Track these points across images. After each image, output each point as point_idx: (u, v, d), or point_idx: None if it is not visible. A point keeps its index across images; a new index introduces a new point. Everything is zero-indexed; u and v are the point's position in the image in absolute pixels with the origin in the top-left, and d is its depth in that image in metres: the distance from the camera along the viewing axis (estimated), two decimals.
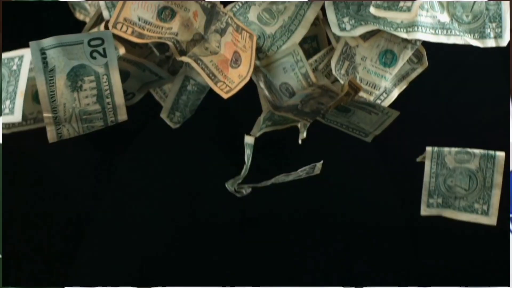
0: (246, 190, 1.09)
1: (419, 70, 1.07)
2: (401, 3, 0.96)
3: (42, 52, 0.93)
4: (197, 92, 1.15)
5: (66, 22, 1.16)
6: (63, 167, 1.56)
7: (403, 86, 1.07)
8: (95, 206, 1.58)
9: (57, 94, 0.95)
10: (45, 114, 0.95)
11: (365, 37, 1.01)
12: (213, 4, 0.99)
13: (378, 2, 0.96)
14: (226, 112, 1.31)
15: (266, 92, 1.04)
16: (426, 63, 1.06)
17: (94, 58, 0.95)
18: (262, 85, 1.04)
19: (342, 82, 1.02)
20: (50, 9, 1.29)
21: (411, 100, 1.10)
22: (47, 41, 0.93)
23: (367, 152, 1.36)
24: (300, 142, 1.13)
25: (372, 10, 0.95)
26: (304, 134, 1.13)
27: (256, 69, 1.01)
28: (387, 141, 1.16)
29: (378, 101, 1.06)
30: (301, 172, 1.09)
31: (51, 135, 0.97)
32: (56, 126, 0.96)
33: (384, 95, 1.06)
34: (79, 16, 1.14)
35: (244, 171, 1.05)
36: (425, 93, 1.32)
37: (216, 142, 1.53)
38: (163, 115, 1.15)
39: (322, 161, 1.08)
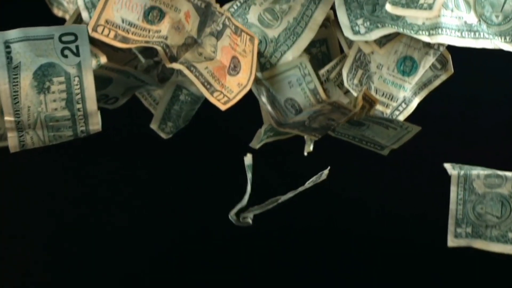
0: (251, 218, 1.03)
1: (443, 77, 1.00)
2: (421, 0, 0.87)
3: (7, 45, 0.85)
4: (191, 102, 1.07)
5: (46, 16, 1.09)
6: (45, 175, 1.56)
7: (424, 94, 1.00)
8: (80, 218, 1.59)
9: (21, 95, 0.87)
10: (6, 118, 0.87)
11: (381, 42, 0.93)
12: (208, 3, 0.90)
13: None
14: (223, 117, 1.25)
15: (269, 107, 0.96)
16: (451, 70, 0.99)
17: (66, 56, 0.87)
18: (264, 99, 0.96)
19: (354, 93, 0.94)
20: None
21: (430, 104, 1.03)
22: (13, 33, 0.85)
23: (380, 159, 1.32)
24: (305, 154, 1.07)
25: (388, 7, 0.87)
26: (311, 147, 1.06)
27: (258, 82, 0.93)
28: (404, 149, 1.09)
29: (396, 112, 0.99)
30: (308, 185, 1.02)
31: (13, 143, 0.89)
32: (18, 132, 0.88)
33: (403, 105, 0.99)
34: (58, 12, 1.07)
35: (246, 197, 0.99)
36: (445, 96, 1.26)
37: (212, 151, 1.53)
38: (154, 125, 1.08)
39: (329, 167, 1.00)
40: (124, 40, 0.89)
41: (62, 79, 0.88)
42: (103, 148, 1.58)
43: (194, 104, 1.08)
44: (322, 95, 0.92)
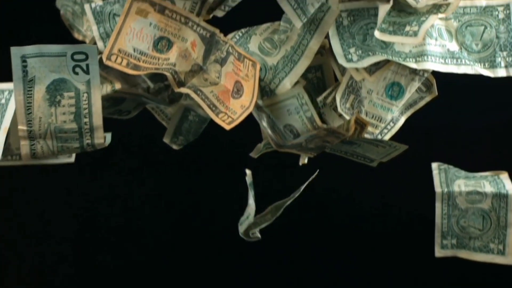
0: (258, 234, 1.07)
1: (428, 99, 1.04)
2: (407, 28, 0.92)
3: (23, 60, 0.90)
4: (198, 122, 1.12)
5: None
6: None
7: (409, 113, 1.04)
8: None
9: (34, 106, 0.91)
10: (19, 127, 0.91)
11: (371, 70, 0.97)
12: (213, 33, 0.96)
13: (383, 25, 0.92)
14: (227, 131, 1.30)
15: (269, 131, 1.01)
16: (435, 92, 1.03)
17: (77, 73, 0.92)
18: (264, 124, 1.01)
19: (346, 117, 0.99)
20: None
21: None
22: (29, 49, 0.90)
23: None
24: (300, 164, 1.11)
25: (377, 34, 0.91)
26: (306, 160, 1.10)
27: (259, 108, 0.99)
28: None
29: (385, 131, 1.03)
30: (302, 187, 1.08)
31: (25, 151, 0.93)
32: (30, 141, 0.92)
33: (391, 124, 1.03)
34: (78, 36, 1.11)
35: (252, 214, 1.03)
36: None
37: (216, 160, 1.56)
38: (166, 139, 1.14)
39: (318, 170, 1.06)
40: (136, 67, 0.93)
41: (72, 94, 0.92)
42: (118, 153, 1.60)
43: (202, 123, 1.12)
44: (318, 122, 0.96)
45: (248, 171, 1.05)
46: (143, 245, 1.66)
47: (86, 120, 0.93)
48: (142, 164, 1.66)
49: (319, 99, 1.00)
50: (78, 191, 1.66)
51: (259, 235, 1.05)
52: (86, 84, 0.92)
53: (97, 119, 0.93)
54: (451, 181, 1.04)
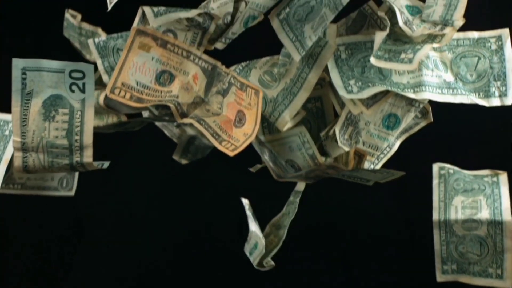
0: (272, 263, 1.07)
1: (422, 124, 1.07)
2: (403, 55, 0.94)
3: (23, 72, 0.91)
4: (204, 147, 1.14)
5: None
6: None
7: (404, 137, 1.07)
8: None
9: (29, 119, 0.92)
10: (14, 138, 0.92)
11: (368, 104, 0.99)
12: (214, 65, 0.97)
13: (378, 53, 0.94)
14: None
15: (271, 164, 1.02)
16: (430, 119, 1.06)
17: (73, 91, 0.93)
18: (266, 157, 1.02)
19: (345, 148, 1.01)
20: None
21: None
22: (30, 62, 0.91)
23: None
24: (297, 189, 1.12)
25: (373, 60, 0.93)
26: (303, 187, 1.12)
27: (261, 143, 1.00)
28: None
29: (381, 156, 1.06)
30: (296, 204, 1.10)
31: (18, 162, 0.93)
32: (23, 153, 0.93)
33: (387, 149, 1.06)
34: (89, 58, 1.12)
35: (260, 246, 1.03)
36: None
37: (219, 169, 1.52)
38: (176, 157, 1.15)
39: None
40: (139, 100, 0.94)
41: (66, 111, 0.93)
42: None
43: (208, 148, 1.15)
44: (320, 159, 0.98)
45: (245, 200, 1.05)
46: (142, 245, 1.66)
47: (77, 137, 0.93)
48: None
49: (322, 134, 1.02)
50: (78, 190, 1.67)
51: (273, 263, 1.05)
52: (81, 103, 0.93)
53: (88, 138, 0.94)
54: (449, 200, 1.06)
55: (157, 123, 1.14)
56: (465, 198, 1.06)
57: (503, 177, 1.07)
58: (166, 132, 1.16)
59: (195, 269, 1.65)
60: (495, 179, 1.07)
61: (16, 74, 0.90)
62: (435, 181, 1.08)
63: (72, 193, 1.06)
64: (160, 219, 1.67)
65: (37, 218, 1.63)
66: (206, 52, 0.99)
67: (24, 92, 0.91)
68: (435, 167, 1.09)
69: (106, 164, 1.01)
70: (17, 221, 1.61)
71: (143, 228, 1.65)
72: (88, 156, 0.94)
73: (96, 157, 1.00)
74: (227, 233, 1.55)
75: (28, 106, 0.92)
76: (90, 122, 0.93)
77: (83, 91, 0.93)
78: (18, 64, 0.90)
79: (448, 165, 1.09)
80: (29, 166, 0.94)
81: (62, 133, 0.93)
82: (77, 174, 1.07)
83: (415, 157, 1.23)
